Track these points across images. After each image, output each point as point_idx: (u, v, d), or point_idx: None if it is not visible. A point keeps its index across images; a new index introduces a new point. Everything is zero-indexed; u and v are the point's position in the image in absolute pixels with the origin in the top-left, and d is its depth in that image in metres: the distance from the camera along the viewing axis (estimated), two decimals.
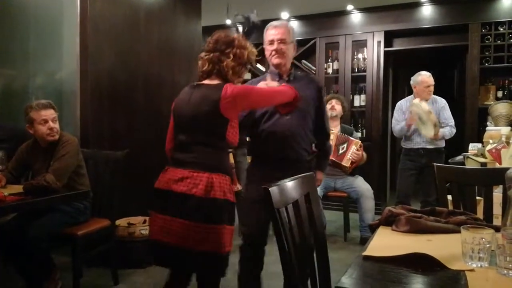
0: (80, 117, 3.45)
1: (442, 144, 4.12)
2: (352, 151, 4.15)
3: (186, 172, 1.87)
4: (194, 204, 1.83)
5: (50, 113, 2.72)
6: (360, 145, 4.20)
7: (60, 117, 3.38)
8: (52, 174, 2.55)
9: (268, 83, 2.16)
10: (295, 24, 6.16)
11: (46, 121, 2.70)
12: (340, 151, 4.18)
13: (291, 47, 2.43)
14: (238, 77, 2.03)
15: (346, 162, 4.13)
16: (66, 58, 3.57)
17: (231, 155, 3.67)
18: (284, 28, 2.42)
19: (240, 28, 2.30)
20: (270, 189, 1.34)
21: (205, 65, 2.01)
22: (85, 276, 3.12)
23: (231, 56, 1.97)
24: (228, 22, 6.46)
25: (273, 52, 2.39)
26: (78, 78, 3.43)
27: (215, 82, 1.98)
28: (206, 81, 2.02)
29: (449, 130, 4.03)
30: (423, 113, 3.76)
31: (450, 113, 4.15)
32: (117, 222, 3.38)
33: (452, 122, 4.09)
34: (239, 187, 3.67)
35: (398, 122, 4.22)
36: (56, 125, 2.75)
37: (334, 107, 4.36)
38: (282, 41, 2.39)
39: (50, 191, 2.49)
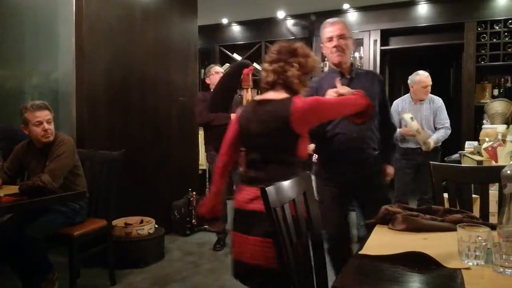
0: (76, 117, 3.44)
1: (438, 143, 4.13)
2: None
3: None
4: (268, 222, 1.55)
5: (44, 115, 2.71)
6: None
7: (55, 117, 3.37)
8: (48, 175, 2.54)
9: (338, 90, 2.04)
10: (291, 23, 6.16)
11: (40, 123, 2.69)
12: None
13: (350, 43, 2.36)
14: (303, 87, 1.94)
15: None
16: (62, 58, 3.55)
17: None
18: (341, 23, 2.34)
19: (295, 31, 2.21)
20: (266, 188, 1.34)
21: (269, 76, 1.92)
22: (82, 276, 3.11)
23: (295, 65, 1.89)
24: (225, 21, 6.46)
25: (334, 49, 2.31)
26: (74, 78, 3.42)
27: (282, 95, 1.88)
28: (271, 95, 1.92)
29: (443, 132, 4.03)
30: (413, 130, 3.76)
31: (446, 113, 4.15)
32: (114, 222, 3.37)
33: (447, 123, 4.08)
34: None
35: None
36: (51, 127, 2.74)
37: None
38: (341, 36, 2.31)
39: (46, 191, 2.48)
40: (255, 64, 6.37)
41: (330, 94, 2.06)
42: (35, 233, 2.52)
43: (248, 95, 3.68)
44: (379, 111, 2.35)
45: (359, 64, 5.74)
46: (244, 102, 3.71)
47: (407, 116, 3.82)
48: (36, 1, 3.73)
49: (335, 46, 2.30)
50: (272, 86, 1.93)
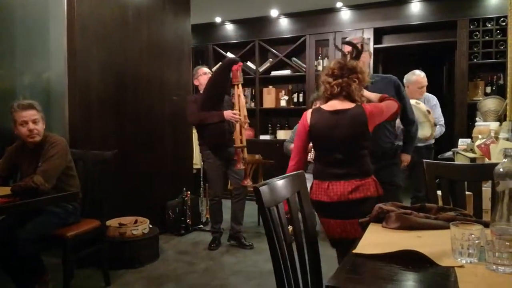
0: (69, 117, 3.41)
1: (432, 140, 4.14)
2: None
3: (355, 182, 2.21)
4: (370, 203, 1.98)
5: (30, 114, 2.67)
6: None
7: (48, 117, 3.34)
8: (40, 176, 2.52)
9: (369, 95, 2.45)
10: (284, 22, 6.16)
11: (26, 122, 2.67)
12: None
13: (365, 55, 2.75)
14: (361, 97, 2.32)
15: None
16: (54, 57, 3.52)
17: (245, 150, 3.70)
18: (358, 39, 2.75)
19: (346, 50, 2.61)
20: (260, 188, 1.34)
21: (334, 89, 2.27)
22: (76, 277, 3.10)
23: (356, 80, 2.26)
24: (218, 20, 6.45)
25: None
26: (66, 78, 3.40)
27: (348, 104, 2.26)
28: (337, 104, 2.28)
29: (439, 129, 4.05)
30: (420, 113, 3.72)
31: (441, 111, 4.17)
32: (108, 222, 3.36)
33: (442, 121, 4.11)
34: (250, 182, 3.74)
35: None
36: (37, 127, 2.70)
37: None
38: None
39: (38, 192, 2.46)
40: (249, 63, 6.39)
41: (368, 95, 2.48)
42: (28, 234, 2.51)
43: (239, 90, 3.69)
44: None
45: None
46: (236, 97, 3.70)
47: (412, 101, 3.82)
48: (27, 0, 3.69)
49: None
50: (334, 97, 2.30)
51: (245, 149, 3.72)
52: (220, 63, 3.98)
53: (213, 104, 3.72)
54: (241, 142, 3.68)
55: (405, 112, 2.90)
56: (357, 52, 2.45)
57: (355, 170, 2.23)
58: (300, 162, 2.38)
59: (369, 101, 2.40)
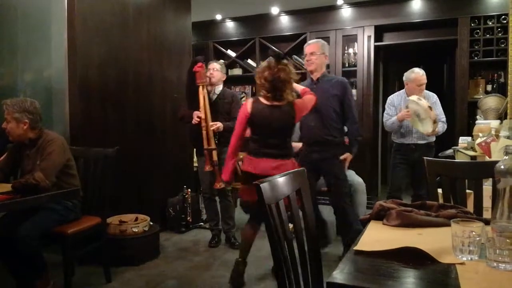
0: (70, 114, 3.41)
1: (432, 138, 4.14)
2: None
3: (279, 161, 2.86)
4: None
5: (6, 113, 2.70)
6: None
7: (49, 114, 3.36)
8: (41, 173, 2.52)
9: (296, 87, 3.11)
10: (285, 19, 6.15)
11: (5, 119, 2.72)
12: None
13: (322, 57, 3.39)
14: (292, 95, 2.95)
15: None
16: (55, 54, 3.52)
17: (214, 153, 3.60)
18: (313, 45, 3.41)
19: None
20: (261, 185, 1.34)
21: (268, 93, 2.90)
22: (77, 274, 3.11)
23: (286, 88, 2.89)
24: (219, 17, 6.45)
25: (306, 62, 3.45)
26: (67, 75, 3.40)
27: (282, 102, 2.90)
28: (272, 99, 2.90)
29: (441, 126, 4.04)
30: (422, 110, 3.71)
31: (441, 108, 4.16)
32: (108, 220, 3.36)
33: (443, 118, 4.10)
34: (222, 184, 3.58)
35: (390, 116, 4.22)
36: (8, 126, 2.70)
37: None
38: (312, 53, 3.38)
39: (39, 189, 2.47)
40: (249, 60, 6.39)
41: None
42: (29, 231, 2.51)
43: (203, 92, 3.58)
44: (340, 109, 3.36)
45: (353, 60, 5.75)
46: (201, 98, 3.58)
47: (414, 97, 3.81)
48: None
49: (307, 60, 3.42)
50: (269, 92, 2.89)
51: (214, 152, 3.58)
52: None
53: (193, 103, 3.66)
54: (209, 145, 3.59)
55: (349, 112, 3.37)
56: (278, 58, 2.96)
57: (280, 152, 2.89)
58: (239, 142, 2.99)
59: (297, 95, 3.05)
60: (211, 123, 3.58)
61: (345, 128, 3.51)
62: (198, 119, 3.56)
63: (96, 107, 3.57)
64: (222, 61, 5.94)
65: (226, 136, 3.53)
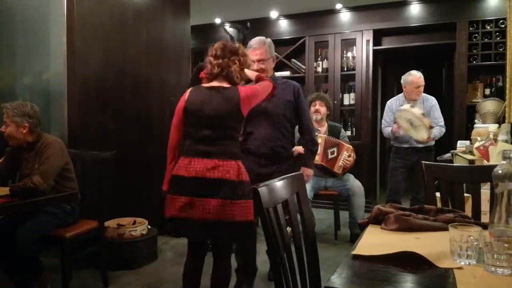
0: (68, 117, 3.41)
1: (432, 142, 4.14)
2: (344, 157, 4.09)
3: (216, 162, 2.22)
4: (229, 186, 2.20)
5: (5, 116, 2.70)
6: (351, 149, 4.14)
7: (47, 117, 3.35)
8: (39, 176, 2.52)
9: (248, 73, 2.54)
10: (283, 23, 6.16)
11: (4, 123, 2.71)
12: (330, 156, 4.12)
13: (269, 63, 2.89)
14: (241, 80, 2.39)
15: (338, 169, 4.10)
16: (53, 57, 3.52)
17: None
18: (261, 49, 2.88)
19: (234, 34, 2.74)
20: (259, 189, 1.34)
21: (214, 69, 2.33)
22: (75, 278, 3.09)
23: (237, 62, 2.34)
24: (218, 21, 6.45)
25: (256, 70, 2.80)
26: (65, 78, 3.40)
27: (225, 84, 2.32)
28: (215, 84, 2.34)
29: (439, 130, 4.05)
30: (414, 118, 3.71)
31: (440, 112, 4.17)
32: (106, 223, 3.35)
33: (442, 121, 4.11)
34: None
35: (387, 124, 4.22)
36: (7, 129, 2.70)
37: (318, 110, 4.24)
38: (260, 61, 2.84)
39: (37, 193, 2.46)
40: None
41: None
42: (27, 235, 2.51)
43: None
44: (293, 115, 2.87)
45: (351, 64, 5.76)
46: None
47: (406, 106, 3.80)
48: (27, 1, 3.69)
49: (257, 70, 2.75)
50: (215, 77, 2.35)
51: None
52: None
53: None
54: None
55: (301, 119, 2.91)
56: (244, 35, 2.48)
57: (219, 150, 2.25)
58: (177, 138, 2.45)
59: (248, 81, 2.51)
60: None
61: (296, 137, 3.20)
62: None
63: (94, 111, 3.56)
64: None
65: None
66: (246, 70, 2.47)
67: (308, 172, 2.88)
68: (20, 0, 3.72)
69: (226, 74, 2.32)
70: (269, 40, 2.98)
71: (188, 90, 2.39)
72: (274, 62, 2.97)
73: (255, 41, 2.91)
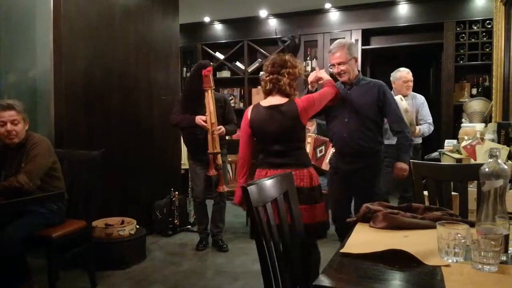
0: (55, 116, 3.36)
1: (419, 140, 4.18)
2: (331, 154, 4.11)
3: (292, 171, 2.27)
4: (305, 193, 2.38)
5: (8, 115, 2.63)
6: None
7: (34, 116, 3.29)
8: (25, 176, 2.48)
9: (317, 73, 2.75)
10: (273, 22, 6.17)
11: (4, 123, 2.63)
12: (319, 154, 4.15)
13: (351, 63, 2.86)
14: (295, 90, 2.50)
15: (325, 167, 4.11)
16: (40, 55, 3.47)
17: (219, 157, 3.60)
18: (339, 52, 2.84)
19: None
20: (248, 188, 1.34)
21: (267, 85, 2.50)
22: (62, 279, 3.05)
23: (286, 75, 2.44)
24: (207, 20, 6.43)
25: (338, 74, 2.90)
26: (52, 76, 3.35)
27: (281, 100, 2.46)
28: (272, 100, 2.49)
29: (427, 127, 4.09)
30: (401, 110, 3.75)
31: (429, 110, 4.21)
32: (94, 223, 3.32)
33: (430, 119, 4.14)
34: (225, 188, 3.62)
35: None
36: (16, 128, 2.66)
37: None
38: (340, 64, 2.85)
39: (23, 192, 2.43)
40: (237, 63, 6.38)
41: (311, 75, 2.77)
42: (13, 235, 2.46)
43: (208, 96, 3.52)
44: (380, 114, 2.86)
45: None
46: (210, 103, 3.56)
47: (397, 97, 3.83)
48: None
49: (338, 73, 2.87)
50: (269, 93, 2.50)
51: (219, 156, 3.58)
52: (193, 67, 3.86)
53: (193, 107, 3.65)
54: (214, 148, 3.58)
55: (390, 117, 2.89)
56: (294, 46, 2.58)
57: (291, 161, 2.44)
58: (248, 155, 2.59)
59: (320, 78, 2.70)
60: (218, 127, 3.57)
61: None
62: (205, 123, 3.55)
63: (81, 109, 3.52)
64: None
65: (222, 139, 3.67)
66: (323, 74, 2.70)
67: (400, 166, 2.87)
68: None
69: (278, 88, 2.45)
70: (349, 42, 2.97)
71: (250, 109, 2.55)
72: (356, 62, 2.93)
73: (334, 45, 2.92)
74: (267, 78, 2.48)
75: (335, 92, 2.65)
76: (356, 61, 2.93)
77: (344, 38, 5.66)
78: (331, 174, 3.02)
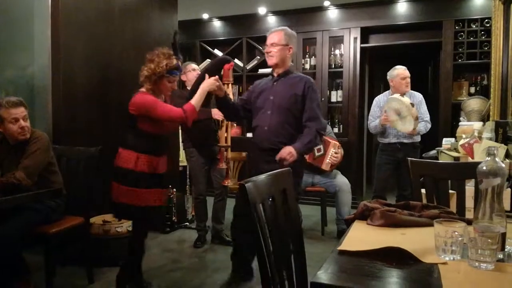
0: (53, 112, 3.36)
1: (418, 139, 4.19)
2: (331, 154, 4.12)
3: (120, 149, 2.74)
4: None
5: (20, 111, 2.64)
6: (338, 146, 4.17)
7: (31, 112, 3.28)
8: (22, 172, 2.47)
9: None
10: (272, 19, 6.15)
11: (17, 120, 2.62)
12: (317, 153, 4.14)
13: (283, 50, 2.78)
14: (149, 84, 2.78)
15: (326, 166, 4.12)
16: (38, 51, 3.46)
17: (229, 150, 3.61)
18: (276, 33, 2.81)
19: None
20: (246, 185, 1.33)
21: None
22: (59, 275, 3.06)
23: (146, 67, 2.80)
24: (205, 16, 6.42)
25: (266, 54, 2.87)
26: (50, 72, 3.34)
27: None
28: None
29: (424, 125, 4.09)
30: (404, 107, 3.74)
31: (426, 108, 4.21)
32: (92, 219, 3.32)
33: (427, 117, 4.15)
34: (231, 182, 3.65)
35: (374, 119, 4.25)
36: (27, 124, 2.67)
37: None
38: (272, 44, 2.79)
39: (20, 189, 2.42)
40: (236, 60, 6.37)
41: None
42: (10, 231, 2.46)
43: (229, 90, 3.61)
44: (300, 108, 2.75)
45: (339, 61, 5.77)
46: (230, 96, 3.62)
47: (396, 95, 3.83)
48: None
49: (267, 52, 2.83)
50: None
51: (229, 149, 3.65)
52: (210, 60, 3.90)
53: (206, 99, 3.67)
54: (226, 142, 3.61)
55: (308, 112, 2.75)
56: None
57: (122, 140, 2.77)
58: None
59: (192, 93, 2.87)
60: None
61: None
62: (222, 117, 3.55)
63: (79, 105, 3.51)
64: (208, 60, 5.95)
65: None
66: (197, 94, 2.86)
67: (286, 150, 2.62)
68: None
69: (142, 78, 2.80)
70: (292, 31, 2.89)
71: None
72: (290, 52, 2.83)
73: (276, 28, 2.90)
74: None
75: (180, 118, 2.75)
76: (291, 51, 2.83)
77: (342, 36, 5.69)
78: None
